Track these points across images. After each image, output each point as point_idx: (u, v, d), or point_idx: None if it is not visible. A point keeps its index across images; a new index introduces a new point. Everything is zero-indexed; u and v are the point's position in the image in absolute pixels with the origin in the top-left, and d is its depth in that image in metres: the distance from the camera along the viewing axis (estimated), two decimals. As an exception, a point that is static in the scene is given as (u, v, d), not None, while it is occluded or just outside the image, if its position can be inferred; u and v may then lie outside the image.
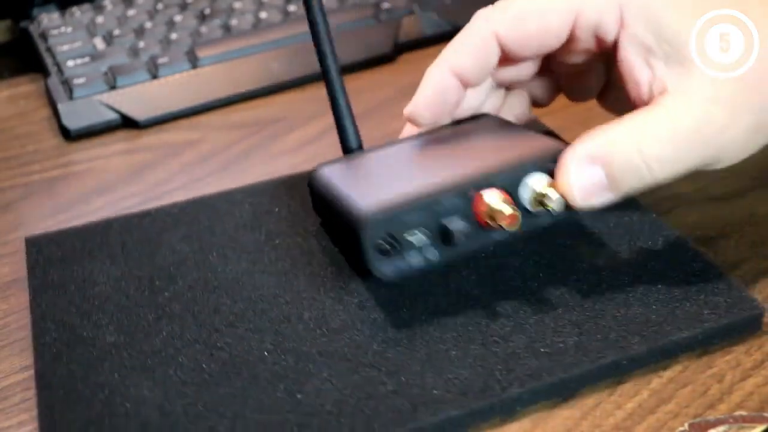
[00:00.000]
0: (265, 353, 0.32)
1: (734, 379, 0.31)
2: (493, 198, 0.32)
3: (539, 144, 0.34)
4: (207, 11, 0.61)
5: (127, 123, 0.52)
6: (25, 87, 0.58)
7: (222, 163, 0.49)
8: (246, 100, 0.55)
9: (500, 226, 0.31)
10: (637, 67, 0.34)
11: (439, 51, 0.60)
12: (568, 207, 0.32)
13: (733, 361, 0.32)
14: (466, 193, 0.32)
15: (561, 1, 0.34)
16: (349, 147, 0.38)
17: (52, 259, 0.38)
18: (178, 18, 0.60)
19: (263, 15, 0.60)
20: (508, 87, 0.40)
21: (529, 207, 0.33)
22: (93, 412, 0.30)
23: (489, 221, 0.32)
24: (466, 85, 0.37)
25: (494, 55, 0.36)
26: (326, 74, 0.37)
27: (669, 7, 0.34)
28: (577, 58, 0.37)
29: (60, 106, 0.52)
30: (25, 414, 0.32)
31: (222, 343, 0.33)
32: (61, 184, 0.48)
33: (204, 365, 0.32)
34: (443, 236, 0.32)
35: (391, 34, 0.59)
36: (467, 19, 0.60)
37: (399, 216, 0.31)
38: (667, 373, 0.32)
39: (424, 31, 0.60)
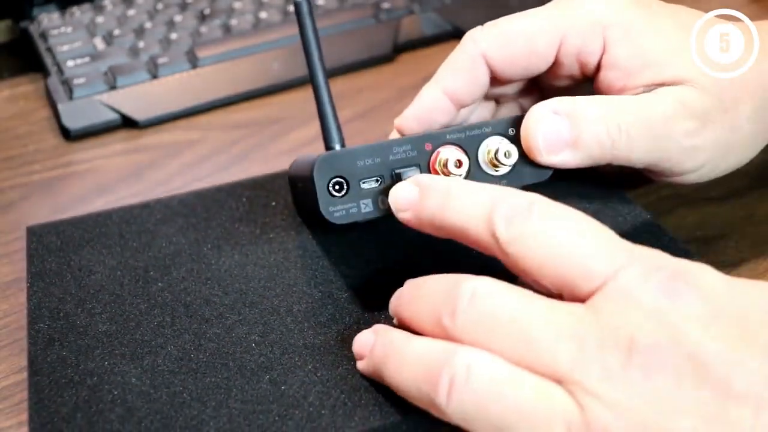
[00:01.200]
0: (253, 345, 0.33)
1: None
2: (449, 151, 0.33)
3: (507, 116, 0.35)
4: (207, 11, 0.61)
5: (127, 123, 0.52)
6: (25, 87, 0.58)
7: (222, 163, 0.49)
8: (246, 100, 0.55)
9: (450, 172, 0.32)
10: (615, 90, 0.35)
11: (439, 51, 0.60)
12: (521, 166, 0.34)
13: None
14: (422, 147, 0.33)
15: (546, 24, 0.35)
16: (331, 147, 0.39)
17: (51, 248, 0.38)
18: (178, 18, 0.60)
19: (263, 15, 0.60)
20: (498, 100, 0.40)
21: (484, 167, 0.34)
22: (81, 398, 0.31)
23: (440, 170, 0.33)
24: (458, 105, 0.37)
25: (484, 76, 0.36)
26: (312, 74, 0.38)
27: (651, 31, 0.35)
28: (562, 82, 0.37)
29: (60, 106, 0.52)
30: (24, 414, 0.32)
31: (211, 334, 0.33)
32: (61, 184, 0.48)
33: (192, 355, 0.32)
34: (394, 182, 0.32)
35: (391, 34, 0.59)
36: (467, 19, 0.61)
37: (351, 159, 0.32)
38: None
39: (424, 31, 0.60)
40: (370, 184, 0.33)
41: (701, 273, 0.25)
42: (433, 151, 0.33)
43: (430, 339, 0.28)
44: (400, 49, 0.59)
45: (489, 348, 0.26)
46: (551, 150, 0.33)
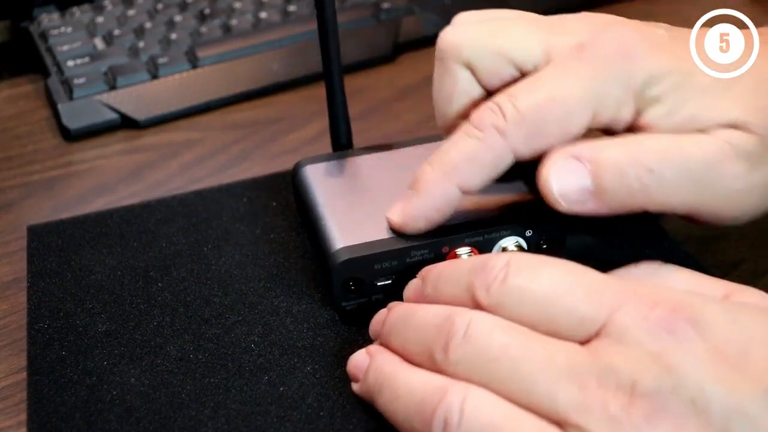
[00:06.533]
0: (252, 345, 0.33)
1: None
2: (464, 256, 0.33)
3: (523, 207, 0.34)
4: (207, 11, 0.61)
5: (127, 123, 0.52)
6: (25, 87, 0.58)
7: (222, 163, 0.49)
8: (246, 100, 0.55)
9: None
10: None
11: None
12: None
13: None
14: (439, 250, 0.33)
15: (579, 100, 0.30)
16: (339, 144, 0.39)
17: (52, 248, 0.38)
18: (178, 18, 0.60)
19: (263, 15, 0.60)
20: None
21: None
22: (80, 398, 0.31)
23: None
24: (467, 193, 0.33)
25: (507, 166, 0.32)
26: (327, 68, 0.37)
27: (688, 86, 0.31)
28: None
29: (60, 106, 0.52)
30: (24, 414, 0.32)
31: (210, 334, 0.33)
32: (61, 184, 0.48)
33: (191, 355, 0.33)
34: (407, 280, 0.32)
35: (391, 34, 0.59)
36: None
37: (370, 263, 0.32)
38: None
39: (424, 31, 0.60)
40: (384, 282, 0.33)
41: (700, 306, 0.25)
42: (448, 252, 0.33)
43: (423, 372, 0.27)
44: (400, 49, 0.59)
45: (484, 386, 0.25)
46: (571, 199, 0.30)
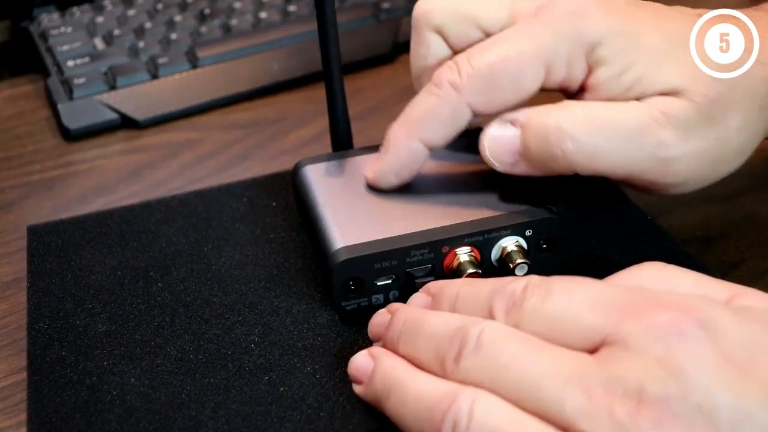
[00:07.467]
0: (252, 345, 0.33)
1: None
2: (464, 256, 0.33)
3: (523, 207, 0.34)
4: (207, 11, 0.61)
5: (127, 123, 0.52)
6: (25, 87, 0.58)
7: (221, 163, 0.49)
8: (246, 100, 0.55)
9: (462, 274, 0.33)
10: None
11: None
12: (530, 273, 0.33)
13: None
14: (439, 250, 0.33)
15: (531, 57, 0.32)
16: (340, 144, 0.39)
17: (52, 248, 0.38)
18: (178, 18, 0.60)
19: (263, 15, 0.60)
20: None
21: (495, 263, 0.34)
22: (80, 398, 0.31)
23: (455, 267, 0.33)
24: (433, 150, 0.35)
25: (465, 121, 0.34)
26: (327, 68, 0.37)
27: (635, 47, 0.32)
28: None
29: (60, 106, 0.52)
30: (24, 414, 0.32)
31: (210, 335, 0.33)
32: (61, 184, 0.48)
33: (191, 355, 0.33)
34: (407, 282, 0.33)
35: (391, 34, 0.59)
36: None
37: (369, 262, 0.32)
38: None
39: (424, 31, 0.60)
40: (384, 282, 0.33)
41: (710, 308, 0.25)
42: (448, 252, 0.33)
43: (432, 377, 0.27)
44: (400, 49, 0.59)
45: (493, 392, 0.26)
46: (503, 161, 0.33)
